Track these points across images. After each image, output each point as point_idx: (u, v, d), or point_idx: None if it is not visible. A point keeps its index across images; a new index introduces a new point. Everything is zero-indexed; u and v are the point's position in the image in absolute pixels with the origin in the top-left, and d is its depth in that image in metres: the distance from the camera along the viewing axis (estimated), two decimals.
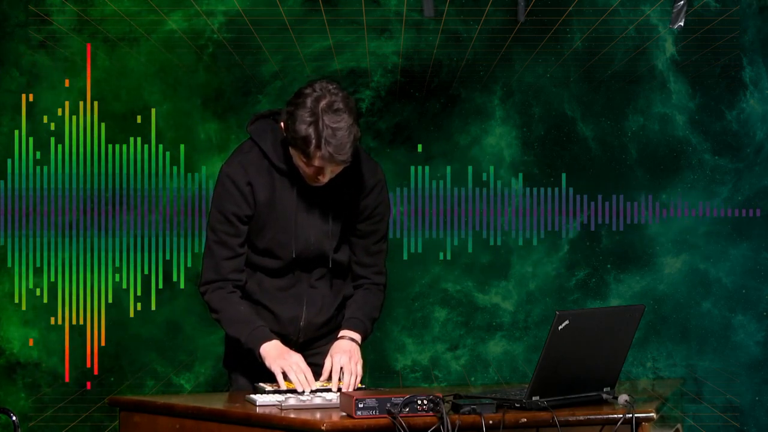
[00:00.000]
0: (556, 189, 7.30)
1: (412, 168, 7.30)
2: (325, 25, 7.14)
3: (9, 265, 7.09)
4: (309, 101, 3.72)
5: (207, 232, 3.97)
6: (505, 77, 7.29)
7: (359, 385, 3.86)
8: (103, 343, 7.13)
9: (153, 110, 7.19)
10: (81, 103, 7.13)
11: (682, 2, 7.00)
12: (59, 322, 7.10)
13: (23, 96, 7.10)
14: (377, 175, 4.00)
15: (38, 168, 7.11)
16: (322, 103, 3.72)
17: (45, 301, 7.10)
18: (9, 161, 7.09)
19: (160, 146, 7.18)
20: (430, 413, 3.33)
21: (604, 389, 3.64)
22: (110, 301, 7.14)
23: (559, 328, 3.42)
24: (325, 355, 3.92)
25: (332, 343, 3.96)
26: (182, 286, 7.17)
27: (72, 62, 7.11)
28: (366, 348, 4.00)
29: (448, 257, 7.31)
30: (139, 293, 7.15)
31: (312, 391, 3.72)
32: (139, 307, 7.15)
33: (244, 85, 7.22)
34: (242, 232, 3.92)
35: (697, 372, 7.23)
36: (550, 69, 7.28)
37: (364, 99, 7.23)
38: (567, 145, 7.32)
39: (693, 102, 7.28)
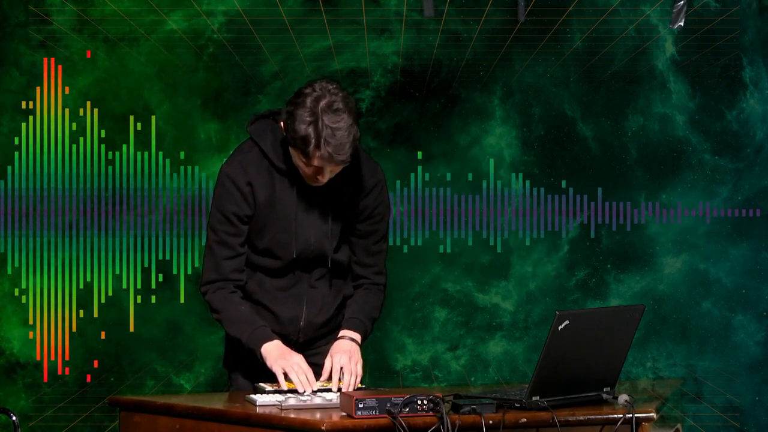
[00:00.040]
0: (556, 189, 7.30)
1: (412, 168, 7.30)
2: (325, 25, 7.14)
3: (9, 265, 7.09)
4: (309, 101, 3.72)
5: (207, 232, 3.97)
6: (505, 77, 7.29)
7: (359, 385, 3.86)
8: (103, 343, 7.13)
9: (153, 110, 7.19)
10: (81, 103, 7.13)
11: (682, 2, 7.00)
12: (59, 322, 7.10)
13: (23, 96, 7.10)
14: (377, 175, 4.00)
15: (38, 168, 7.11)
16: (322, 103, 3.72)
17: (45, 301, 7.10)
18: (9, 161, 7.09)
19: (160, 146, 7.18)
20: (430, 413, 3.33)
21: (604, 389, 3.64)
22: (110, 301, 7.14)
23: (559, 328, 3.42)
24: (325, 355, 3.92)
25: (332, 343, 3.96)
26: (182, 286, 7.17)
27: (72, 62, 7.11)
28: (366, 348, 4.00)
29: (448, 257, 7.31)
30: (139, 293, 7.15)
31: (312, 391, 3.72)
32: (139, 306, 7.15)
33: (244, 85, 7.22)
34: (243, 232, 3.93)
35: (697, 372, 7.24)
36: (550, 69, 7.28)
37: (364, 99, 7.23)
38: (567, 145, 7.32)
39: (693, 102, 7.28)
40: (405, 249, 7.28)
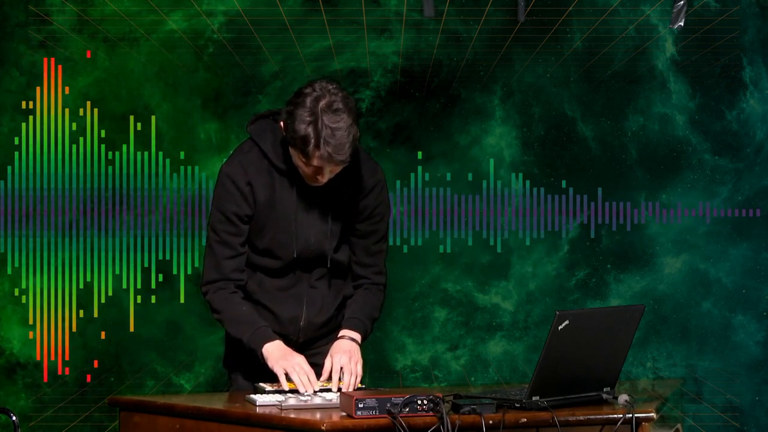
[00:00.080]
0: (556, 189, 7.30)
1: (412, 168, 7.30)
2: (325, 25, 7.14)
3: (9, 265, 7.09)
4: (308, 101, 3.72)
5: (208, 233, 3.97)
6: (505, 77, 7.29)
7: (359, 385, 3.86)
8: (103, 343, 7.13)
9: (153, 110, 7.19)
10: (81, 103, 7.13)
11: (682, 2, 7.00)
12: (59, 322, 7.10)
13: (23, 96, 7.10)
14: (377, 175, 4.00)
15: (38, 168, 7.11)
16: (322, 103, 3.72)
17: (45, 301, 7.10)
18: (9, 161, 7.09)
19: (160, 146, 7.18)
20: (430, 413, 3.33)
21: (604, 389, 3.64)
22: (110, 301, 7.13)
23: (559, 328, 3.42)
24: (325, 355, 3.92)
25: (332, 343, 3.96)
26: (182, 286, 7.17)
27: (72, 62, 7.11)
28: (366, 348, 4.00)
29: (448, 257, 7.31)
30: (139, 293, 7.15)
31: (312, 391, 3.72)
32: (139, 306, 7.15)
33: (244, 85, 7.22)
34: (243, 232, 3.93)
35: (697, 372, 7.23)
36: (550, 69, 7.28)
37: (364, 99, 7.23)
38: (567, 145, 7.32)
39: (693, 102, 7.28)
40: (405, 249, 7.28)
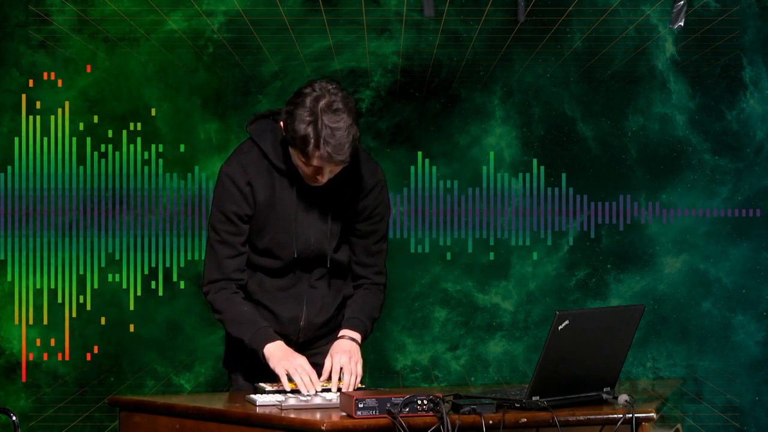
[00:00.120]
0: (556, 189, 7.30)
1: (412, 168, 7.30)
2: (325, 25, 7.14)
3: (9, 264, 7.09)
4: (308, 101, 3.72)
5: (208, 233, 3.97)
6: (505, 77, 7.29)
7: (359, 385, 3.86)
8: (103, 343, 7.13)
9: (153, 110, 7.19)
10: (81, 103, 7.13)
11: (682, 2, 7.00)
12: (59, 321, 7.10)
13: (23, 96, 7.10)
14: (377, 175, 4.00)
15: (38, 168, 7.11)
16: (322, 103, 3.72)
17: (45, 301, 7.10)
18: (9, 161, 7.09)
19: (160, 146, 7.18)
20: (430, 413, 3.33)
21: (604, 389, 3.64)
22: (110, 301, 7.13)
23: (559, 328, 3.42)
24: (325, 355, 3.92)
25: (332, 343, 3.96)
26: (182, 286, 7.17)
27: (72, 62, 7.11)
28: (366, 348, 4.00)
29: (448, 257, 7.31)
30: (139, 293, 7.15)
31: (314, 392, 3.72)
32: (139, 306, 7.15)
33: (244, 85, 7.22)
34: (244, 231, 3.93)
35: (697, 372, 7.23)
36: (550, 69, 7.28)
37: (364, 99, 7.23)
38: (567, 145, 7.32)
39: (693, 102, 7.28)
40: (405, 249, 7.28)
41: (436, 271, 7.32)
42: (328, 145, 3.70)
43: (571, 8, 7.16)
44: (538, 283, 7.31)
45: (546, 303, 7.30)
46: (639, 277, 7.30)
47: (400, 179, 7.26)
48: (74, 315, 7.10)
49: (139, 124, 7.17)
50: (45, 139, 7.11)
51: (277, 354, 3.83)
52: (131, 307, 7.14)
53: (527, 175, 7.31)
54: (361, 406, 3.31)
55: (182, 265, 7.16)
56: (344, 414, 3.38)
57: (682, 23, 7.04)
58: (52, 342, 7.09)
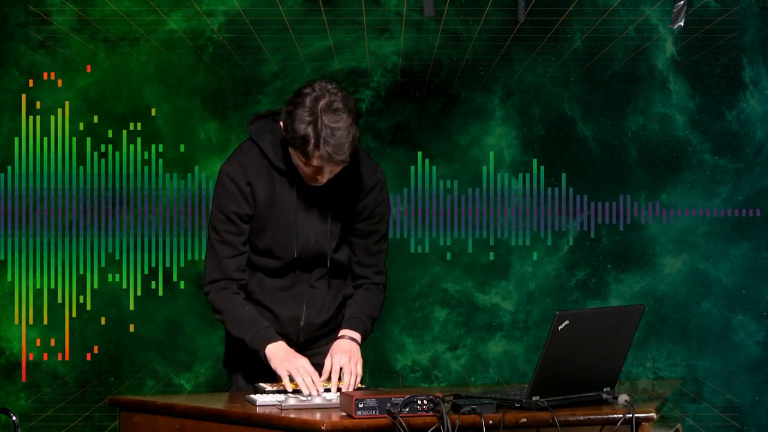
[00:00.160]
0: (556, 189, 7.30)
1: (412, 168, 7.30)
2: (325, 25, 7.14)
3: (9, 264, 7.09)
4: (308, 101, 3.72)
5: (209, 233, 3.97)
6: (505, 77, 7.29)
7: (359, 385, 3.86)
8: (103, 343, 7.13)
9: (153, 110, 7.19)
10: (81, 103, 7.13)
11: (682, 2, 7.00)
12: (59, 321, 7.10)
13: (23, 96, 7.10)
14: (377, 175, 4.00)
15: (38, 168, 7.11)
16: (321, 103, 3.72)
17: (45, 301, 7.10)
18: (9, 161, 7.09)
19: (160, 146, 7.18)
20: (430, 413, 3.33)
21: (604, 389, 3.64)
22: (110, 301, 7.13)
23: (559, 328, 3.42)
24: (326, 355, 3.92)
25: (332, 343, 3.96)
26: (182, 286, 7.17)
27: (72, 62, 7.11)
28: (366, 348, 4.00)
29: (448, 257, 7.31)
30: (139, 293, 7.15)
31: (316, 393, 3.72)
32: (139, 306, 7.15)
33: (244, 85, 7.22)
34: (244, 231, 3.93)
35: (697, 372, 7.23)
36: (550, 69, 7.28)
37: (364, 99, 7.23)
38: (567, 145, 7.32)
39: (693, 102, 7.28)
40: (405, 249, 7.28)
41: (436, 271, 7.32)
42: (328, 145, 3.70)
43: (571, 8, 7.16)
44: (538, 283, 7.31)
45: (546, 303, 7.30)
46: (639, 277, 7.30)
47: (400, 179, 7.26)
48: (74, 315, 7.10)
49: (139, 124, 7.17)
50: (45, 139, 7.11)
51: (279, 355, 3.82)
52: (131, 307, 7.14)
53: (527, 175, 7.31)
54: (361, 406, 3.31)
55: (182, 265, 7.16)
56: (344, 414, 3.38)
57: (682, 23, 7.04)
58: (52, 342, 7.09)
